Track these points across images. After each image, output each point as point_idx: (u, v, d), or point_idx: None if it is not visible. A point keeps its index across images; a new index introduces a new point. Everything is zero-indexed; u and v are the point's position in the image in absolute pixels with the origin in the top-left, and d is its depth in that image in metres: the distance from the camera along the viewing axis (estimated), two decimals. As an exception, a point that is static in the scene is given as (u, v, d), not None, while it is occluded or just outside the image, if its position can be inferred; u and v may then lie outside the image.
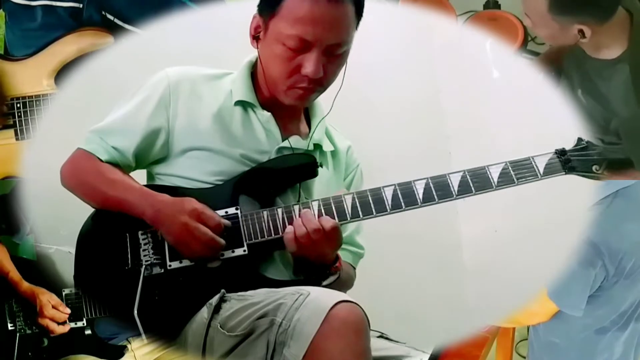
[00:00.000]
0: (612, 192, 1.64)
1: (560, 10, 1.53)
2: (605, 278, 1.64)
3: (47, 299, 1.58)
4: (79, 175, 1.38)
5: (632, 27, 1.58)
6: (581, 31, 1.54)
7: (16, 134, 1.71)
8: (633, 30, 1.58)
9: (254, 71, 1.43)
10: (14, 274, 1.62)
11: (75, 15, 1.73)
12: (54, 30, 1.73)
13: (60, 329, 1.58)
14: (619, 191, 1.64)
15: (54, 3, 1.74)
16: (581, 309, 1.65)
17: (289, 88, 1.35)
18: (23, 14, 1.77)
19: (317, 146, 1.46)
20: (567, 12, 1.53)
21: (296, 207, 1.33)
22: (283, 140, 1.41)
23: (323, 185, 1.44)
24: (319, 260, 1.32)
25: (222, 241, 1.28)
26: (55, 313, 1.58)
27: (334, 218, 1.30)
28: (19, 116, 1.71)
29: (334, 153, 1.50)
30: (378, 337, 1.38)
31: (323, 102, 1.47)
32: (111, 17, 1.73)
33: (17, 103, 1.71)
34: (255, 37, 1.37)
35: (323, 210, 1.32)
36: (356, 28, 1.35)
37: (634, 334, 1.77)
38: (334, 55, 1.33)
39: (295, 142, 1.41)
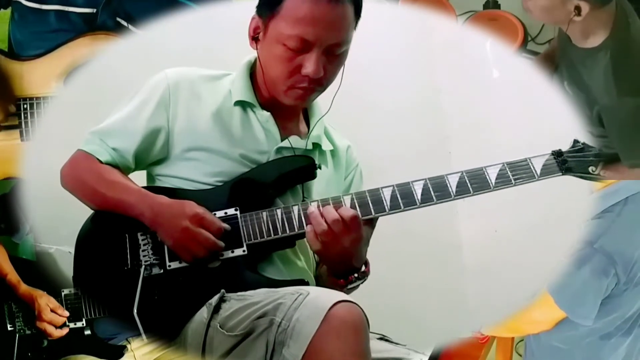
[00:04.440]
0: (621, 199, 1.61)
1: None
2: (616, 285, 1.62)
3: (45, 302, 1.57)
4: (78, 176, 1.38)
5: (616, 15, 1.58)
6: (578, 8, 1.53)
7: (21, 135, 1.70)
8: (616, 18, 1.58)
9: (253, 71, 1.43)
10: (13, 276, 1.60)
11: (89, 21, 1.72)
12: (66, 35, 1.71)
13: (58, 333, 1.57)
14: (629, 198, 1.61)
15: (67, 8, 1.72)
16: (592, 319, 1.63)
17: (289, 88, 1.35)
18: (34, 17, 1.75)
19: (316, 145, 1.46)
20: None
21: (295, 208, 1.33)
22: (282, 140, 1.41)
23: (323, 184, 1.44)
24: (343, 259, 1.30)
25: (222, 244, 1.28)
26: (53, 317, 1.56)
27: None
28: (25, 117, 1.69)
29: (333, 152, 1.50)
30: (379, 339, 1.37)
31: (322, 102, 1.46)
32: (125, 23, 1.71)
33: (24, 104, 1.69)
34: (255, 38, 1.37)
35: None
36: (355, 28, 1.35)
37: (637, 339, 1.76)
38: (333, 55, 1.33)
39: (294, 141, 1.41)
